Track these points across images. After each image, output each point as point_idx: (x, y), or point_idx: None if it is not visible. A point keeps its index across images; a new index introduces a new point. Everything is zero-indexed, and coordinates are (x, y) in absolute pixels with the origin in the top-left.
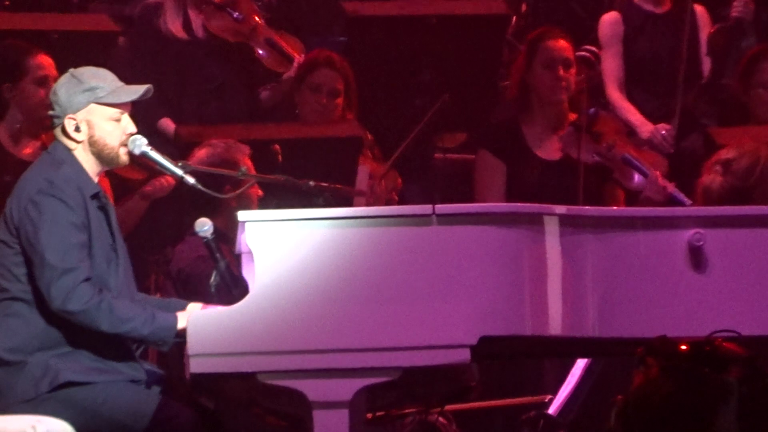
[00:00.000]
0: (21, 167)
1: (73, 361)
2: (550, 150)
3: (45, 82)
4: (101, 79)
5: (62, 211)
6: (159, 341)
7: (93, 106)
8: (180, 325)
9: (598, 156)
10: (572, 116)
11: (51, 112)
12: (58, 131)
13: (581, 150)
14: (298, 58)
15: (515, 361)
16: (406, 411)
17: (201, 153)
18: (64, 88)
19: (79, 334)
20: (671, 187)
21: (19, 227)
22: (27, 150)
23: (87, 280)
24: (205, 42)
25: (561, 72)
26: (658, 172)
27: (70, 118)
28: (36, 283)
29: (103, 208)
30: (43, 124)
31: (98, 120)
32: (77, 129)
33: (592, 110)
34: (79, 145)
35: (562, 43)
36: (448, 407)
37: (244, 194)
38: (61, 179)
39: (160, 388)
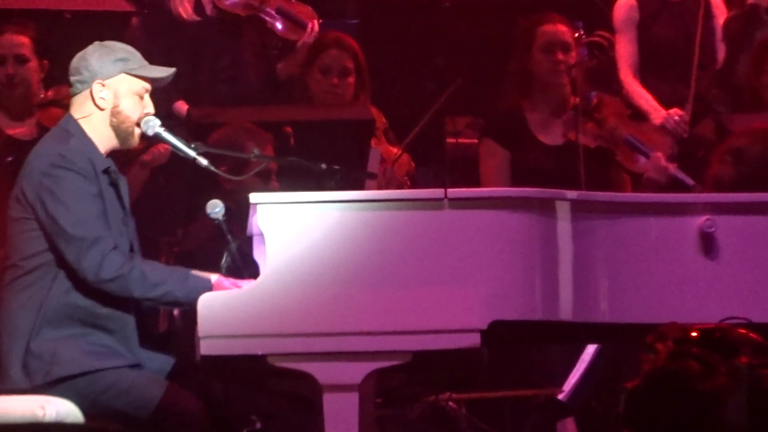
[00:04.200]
0: None
1: (73, 346)
2: (553, 135)
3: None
4: (131, 53)
5: (78, 183)
6: (193, 302)
7: (123, 75)
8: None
9: (601, 139)
10: (574, 100)
11: (74, 78)
12: (75, 99)
13: (580, 134)
14: (311, 24)
15: (525, 347)
16: (416, 395)
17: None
18: (95, 54)
19: (84, 315)
20: (673, 168)
21: (35, 204)
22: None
23: (115, 248)
24: (216, 20)
25: (560, 55)
26: (660, 153)
27: (99, 82)
28: (48, 260)
29: (113, 184)
30: None
31: (125, 91)
32: (103, 96)
33: (593, 94)
34: (95, 117)
35: (560, 27)
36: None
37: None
38: (72, 152)
39: (165, 375)
